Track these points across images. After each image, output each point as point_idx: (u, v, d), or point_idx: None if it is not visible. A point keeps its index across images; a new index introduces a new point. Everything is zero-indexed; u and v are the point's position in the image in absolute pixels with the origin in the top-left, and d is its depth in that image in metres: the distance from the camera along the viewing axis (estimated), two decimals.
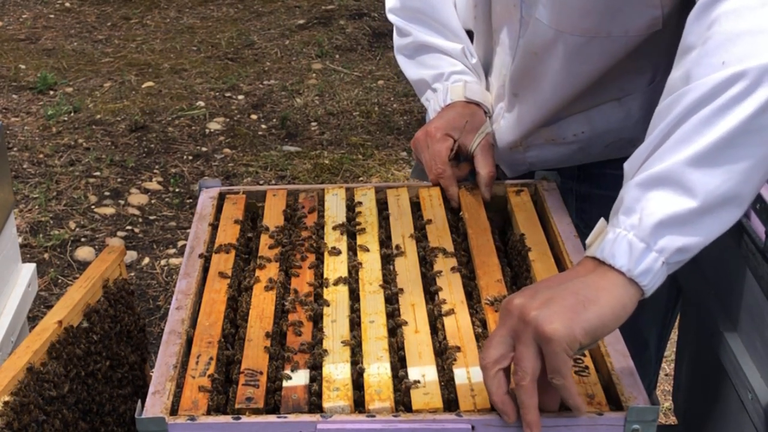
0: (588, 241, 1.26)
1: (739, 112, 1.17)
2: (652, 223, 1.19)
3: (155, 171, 4.49)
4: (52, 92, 5.28)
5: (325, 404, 1.27)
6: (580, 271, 1.23)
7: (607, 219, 1.29)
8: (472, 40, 1.88)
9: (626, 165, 1.28)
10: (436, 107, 1.82)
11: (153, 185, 4.36)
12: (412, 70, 1.90)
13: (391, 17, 1.92)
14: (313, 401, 1.28)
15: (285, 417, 1.25)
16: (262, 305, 1.49)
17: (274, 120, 5.02)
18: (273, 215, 1.74)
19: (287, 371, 1.34)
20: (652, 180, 1.21)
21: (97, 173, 4.43)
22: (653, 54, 1.67)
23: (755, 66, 1.16)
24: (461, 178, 1.78)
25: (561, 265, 1.57)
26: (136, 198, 4.24)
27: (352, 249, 1.64)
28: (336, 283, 1.53)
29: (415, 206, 1.78)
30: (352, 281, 1.55)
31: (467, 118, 1.77)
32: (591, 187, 1.88)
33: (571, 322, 1.17)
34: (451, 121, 1.77)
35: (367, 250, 1.62)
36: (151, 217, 4.12)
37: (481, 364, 1.22)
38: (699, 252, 1.23)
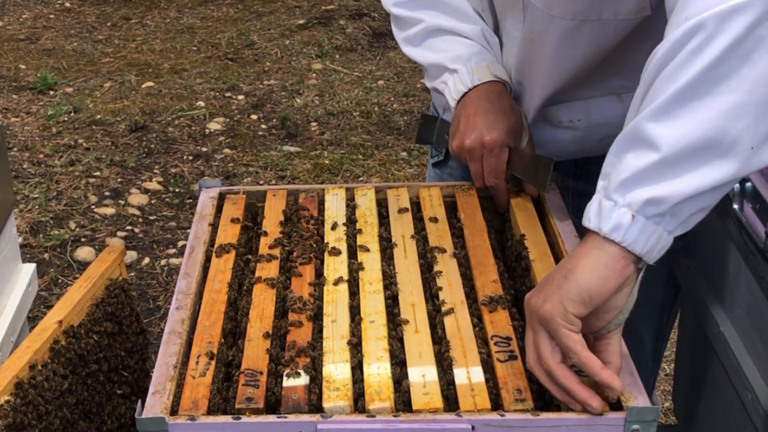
0: None
1: (698, 62, 1.18)
2: (618, 182, 1.23)
3: (155, 171, 4.49)
4: (52, 92, 5.28)
5: (325, 404, 1.27)
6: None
7: None
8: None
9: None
10: (460, 88, 1.75)
11: (153, 185, 4.36)
12: (423, 54, 1.83)
13: (396, 10, 1.85)
14: (313, 401, 1.29)
15: (285, 417, 1.25)
16: (262, 305, 1.49)
17: (274, 120, 5.02)
18: (273, 215, 1.74)
19: (287, 371, 1.34)
20: (622, 142, 1.25)
21: (97, 173, 4.43)
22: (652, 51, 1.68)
23: (712, 14, 1.17)
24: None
25: None
26: (136, 198, 4.24)
27: (352, 249, 1.64)
28: (336, 283, 1.53)
29: (415, 206, 1.78)
30: (352, 281, 1.55)
31: (512, 117, 1.72)
32: (587, 185, 1.88)
33: (559, 296, 1.22)
34: (503, 126, 1.70)
35: (367, 250, 1.62)
36: (151, 217, 4.12)
37: (528, 367, 1.29)
38: (699, 251, 1.23)
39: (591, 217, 1.25)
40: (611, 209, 1.23)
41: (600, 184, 1.28)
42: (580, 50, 1.64)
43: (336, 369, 1.33)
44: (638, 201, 1.21)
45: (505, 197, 1.75)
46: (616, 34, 1.60)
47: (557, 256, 1.59)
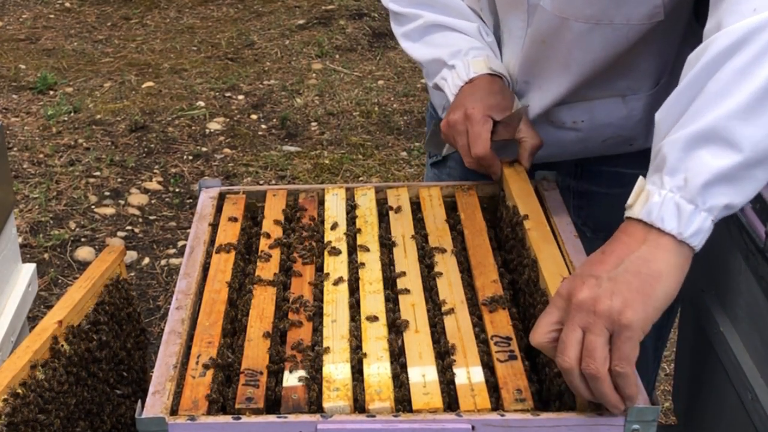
0: (629, 202, 1.25)
1: None
2: (700, 183, 1.18)
3: (155, 171, 4.49)
4: (52, 92, 5.28)
5: (325, 404, 1.27)
6: (632, 244, 1.21)
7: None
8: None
9: (658, 115, 1.27)
10: (457, 82, 1.75)
11: (153, 185, 4.36)
12: (422, 50, 1.84)
13: (393, 6, 1.87)
14: (313, 401, 1.28)
15: (285, 417, 1.25)
16: (262, 305, 1.49)
17: (274, 120, 5.02)
18: (273, 215, 1.74)
19: (287, 371, 1.34)
20: (696, 137, 1.19)
21: (97, 173, 4.43)
22: (660, 54, 1.68)
23: None
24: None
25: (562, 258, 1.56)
26: (136, 198, 4.24)
27: (352, 249, 1.64)
28: (336, 283, 1.53)
29: (415, 206, 1.78)
30: (352, 281, 1.55)
31: (498, 96, 1.72)
32: (589, 185, 1.89)
33: (645, 306, 1.16)
34: (487, 101, 1.70)
35: (367, 250, 1.62)
36: (151, 217, 4.12)
37: (563, 366, 1.19)
38: (699, 251, 1.23)
39: (665, 218, 1.19)
40: (692, 213, 1.18)
41: (669, 180, 1.20)
42: (592, 54, 1.65)
43: (336, 369, 1.33)
44: (718, 206, 1.19)
45: (497, 166, 1.73)
46: (628, 39, 1.61)
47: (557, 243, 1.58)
